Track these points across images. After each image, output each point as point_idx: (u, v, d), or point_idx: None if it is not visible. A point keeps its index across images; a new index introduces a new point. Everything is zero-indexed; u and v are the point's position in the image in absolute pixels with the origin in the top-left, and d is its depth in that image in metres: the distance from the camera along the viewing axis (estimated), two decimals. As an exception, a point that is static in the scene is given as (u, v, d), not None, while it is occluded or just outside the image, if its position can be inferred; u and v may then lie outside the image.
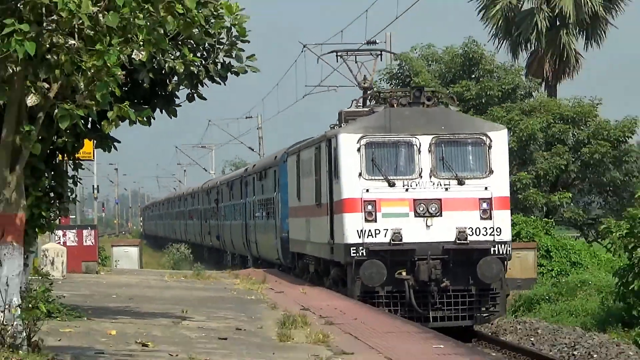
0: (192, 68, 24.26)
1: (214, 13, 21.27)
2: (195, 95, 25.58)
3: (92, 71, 18.08)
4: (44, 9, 17.71)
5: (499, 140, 35.16)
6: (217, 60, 25.00)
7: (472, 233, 34.41)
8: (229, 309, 34.08)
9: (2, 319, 19.07)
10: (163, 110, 25.59)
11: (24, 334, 19.28)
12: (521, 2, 54.03)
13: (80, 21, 17.64)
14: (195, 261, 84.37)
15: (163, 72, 24.43)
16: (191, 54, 23.37)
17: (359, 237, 34.52)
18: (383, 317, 32.01)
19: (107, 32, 17.89)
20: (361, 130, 35.53)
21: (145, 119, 21.57)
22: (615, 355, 33.06)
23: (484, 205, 34.73)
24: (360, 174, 34.97)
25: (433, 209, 34.63)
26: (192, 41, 22.61)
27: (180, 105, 25.93)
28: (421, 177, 34.82)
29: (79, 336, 24.37)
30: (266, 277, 49.97)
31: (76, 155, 25.69)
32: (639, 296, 38.04)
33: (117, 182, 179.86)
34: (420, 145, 35.08)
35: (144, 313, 31.27)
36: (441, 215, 34.59)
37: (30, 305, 19.54)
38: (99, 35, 17.91)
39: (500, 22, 55.92)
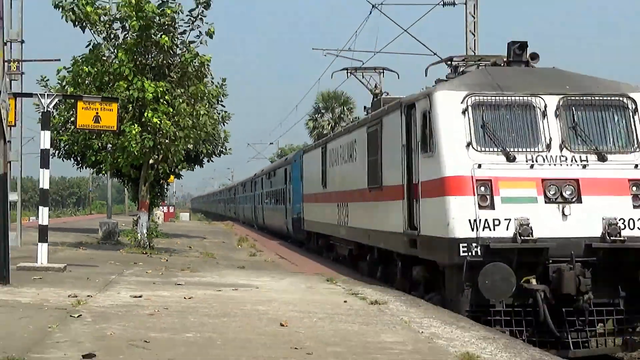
0: (209, 150, 24.17)
1: (217, 133, 21.06)
2: (210, 160, 25.46)
3: (173, 151, 17.76)
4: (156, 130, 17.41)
5: None
6: (217, 148, 24.97)
7: (625, 226, 8.17)
8: (220, 235, 32.76)
9: (139, 237, 18.69)
10: (198, 165, 25.30)
11: (147, 243, 18.85)
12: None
13: (169, 133, 17.31)
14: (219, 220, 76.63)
15: (199, 151, 24.15)
16: (209, 146, 23.24)
17: (472, 229, 7.97)
18: (275, 238, 30.30)
19: (178, 137, 17.58)
20: (465, 88, 8.70)
21: (191, 169, 21.68)
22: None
23: (635, 190, 8.30)
24: (469, 144, 8.35)
25: (568, 192, 8.22)
26: (209, 140, 22.33)
27: (205, 163, 25.70)
28: (549, 149, 8.43)
29: (167, 244, 23.70)
30: (234, 224, 49.25)
31: (167, 180, 25.36)
32: None
33: (181, 190, 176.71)
34: (545, 108, 8.60)
35: (191, 236, 30.47)
36: (580, 202, 8.22)
37: (149, 232, 19.22)
38: (176, 138, 17.58)
39: (316, 138, 51.69)
